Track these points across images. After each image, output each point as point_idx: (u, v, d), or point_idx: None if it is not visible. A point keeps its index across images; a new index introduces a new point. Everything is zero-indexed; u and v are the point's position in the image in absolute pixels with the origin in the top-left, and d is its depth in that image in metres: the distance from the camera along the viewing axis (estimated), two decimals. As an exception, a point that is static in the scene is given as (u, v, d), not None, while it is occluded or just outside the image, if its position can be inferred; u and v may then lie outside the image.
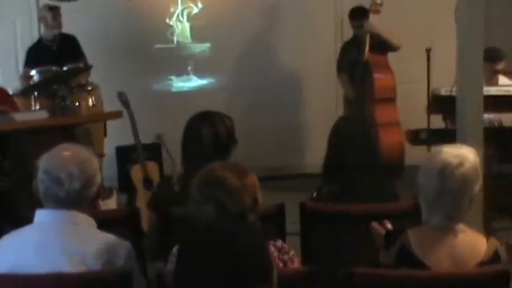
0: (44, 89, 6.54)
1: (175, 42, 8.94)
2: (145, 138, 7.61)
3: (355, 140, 4.28)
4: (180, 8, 8.86)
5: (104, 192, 6.28)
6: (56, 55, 7.74)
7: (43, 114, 5.78)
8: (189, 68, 8.97)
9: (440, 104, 7.06)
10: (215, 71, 8.96)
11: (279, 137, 8.85)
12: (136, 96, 7.60)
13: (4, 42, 8.60)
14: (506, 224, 6.50)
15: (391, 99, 7.53)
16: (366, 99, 7.62)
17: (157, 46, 8.89)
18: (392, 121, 7.56)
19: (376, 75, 7.50)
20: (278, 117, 8.92)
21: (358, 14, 7.80)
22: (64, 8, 7.83)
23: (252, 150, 7.97)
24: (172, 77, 8.97)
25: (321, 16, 8.87)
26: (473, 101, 5.92)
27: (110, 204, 6.39)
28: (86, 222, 3.15)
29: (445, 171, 3.03)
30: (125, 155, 7.83)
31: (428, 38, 8.76)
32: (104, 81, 7.70)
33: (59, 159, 3.13)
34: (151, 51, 8.84)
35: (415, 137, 7.26)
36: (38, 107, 7.19)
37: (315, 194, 4.35)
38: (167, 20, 8.88)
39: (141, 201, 6.25)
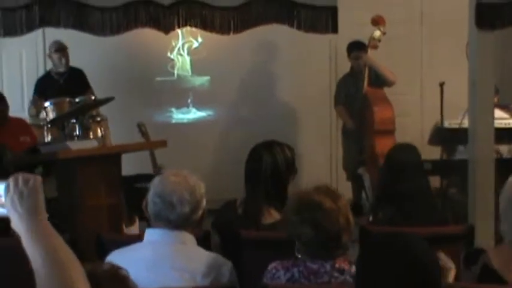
0: (75, 117, 6.50)
1: (175, 75, 9.03)
2: (147, 169, 7.64)
3: (408, 167, 4.42)
4: (180, 42, 8.95)
5: (128, 219, 6.28)
6: (63, 88, 7.80)
7: (94, 143, 5.81)
8: (189, 100, 9.07)
9: (443, 136, 7.22)
10: (214, 103, 9.07)
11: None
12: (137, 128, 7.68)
13: (11, 74, 8.61)
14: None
15: (390, 131, 7.62)
16: (366, 131, 7.71)
17: (159, 79, 8.99)
18: (392, 152, 7.65)
19: (375, 108, 7.60)
20: (274, 148, 8.97)
21: (357, 46, 7.94)
22: (70, 41, 7.82)
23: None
24: (173, 109, 9.07)
25: (316, 51, 9.00)
26: (485, 133, 6.12)
27: (133, 230, 6.39)
28: (191, 241, 3.37)
29: None
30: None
31: (417, 74, 9.04)
32: (108, 113, 7.71)
33: (171, 184, 3.31)
34: (153, 84, 8.94)
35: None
36: (49, 137, 7.21)
37: (371, 218, 4.47)
38: (168, 54, 8.98)
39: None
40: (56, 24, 5.52)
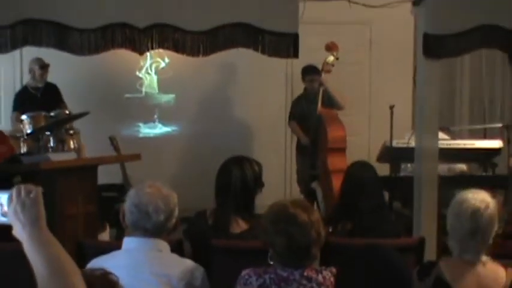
0: (50, 130, 6.43)
1: (143, 93, 9.03)
2: (115, 178, 7.62)
3: (367, 183, 4.46)
4: (148, 62, 8.95)
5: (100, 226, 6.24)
6: (40, 102, 7.76)
7: (73, 155, 5.75)
8: (155, 115, 9.07)
9: (392, 154, 7.29)
10: (178, 119, 9.08)
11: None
12: (107, 140, 7.65)
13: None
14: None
15: (342, 149, 7.65)
16: (319, 148, 7.74)
17: (128, 95, 8.98)
18: (343, 168, 7.66)
19: (329, 127, 7.60)
20: (234, 161, 8.98)
21: (312, 71, 7.99)
22: (46, 58, 7.79)
23: (209, 191, 8.02)
24: (140, 124, 9.04)
25: (273, 73, 9.05)
26: (430, 153, 6.20)
27: (104, 237, 6.37)
28: (166, 249, 3.39)
29: (476, 215, 3.23)
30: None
31: (366, 97, 9.13)
32: (80, 126, 7.66)
33: (146, 195, 3.30)
34: (122, 100, 8.92)
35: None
36: (25, 149, 7.12)
37: (330, 229, 4.50)
38: (137, 73, 8.96)
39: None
40: (38, 43, 5.48)
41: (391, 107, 7.08)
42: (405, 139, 7.21)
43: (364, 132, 9.08)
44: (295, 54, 5.82)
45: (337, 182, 7.57)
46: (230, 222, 4.13)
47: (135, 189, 3.41)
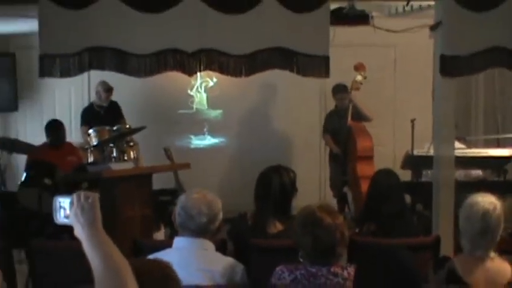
0: (113, 142, 6.51)
1: (194, 109, 9.04)
2: (170, 184, 7.66)
3: (391, 190, 4.42)
4: (199, 81, 8.98)
5: (155, 226, 6.28)
6: (103, 118, 7.85)
7: (130, 165, 5.80)
8: (205, 129, 9.08)
9: (413, 162, 7.23)
10: (225, 132, 9.09)
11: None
12: (162, 151, 7.69)
13: (61, 105, 8.65)
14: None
15: (369, 157, 7.61)
16: (349, 157, 7.71)
17: (180, 111, 9.00)
18: (371, 174, 7.60)
19: (358, 138, 7.58)
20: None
21: (341, 90, 7.97)
22: (110, 79, 7.86)
23: (250, 195, 8.02)
24: (192, 136, 9.06)
25: (308, 91, 9.03)
26: (447, 161, 6.13)
27: (159, 236, 6.40)
28: (211, 248, 3.41)
29: (486, 216, 3.19)
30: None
31: (391, 111, 9.05)
32: (139, 139, 7.73)
33: (192, 200, 3.31)
34: (176, 115, 8.95)
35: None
36: (92, 158, 7.22)
37: (357, 230, 4.48)
38: (188, 91, 8.99)
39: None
40: (102, 67, 5.55)
41: (412, 120, 7.04)
42: (425, 148, 7.14)
43: (389, 143, 9.01)
44: (327, 74, 5.79)
45: (365, 187, 7.49)
46: (268, 224, 4.13)
47: (185, 194, 3.45)
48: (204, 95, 9.06)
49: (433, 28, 6.18)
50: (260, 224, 4.15)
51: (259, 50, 5.59)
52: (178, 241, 3.39)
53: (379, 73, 8.91)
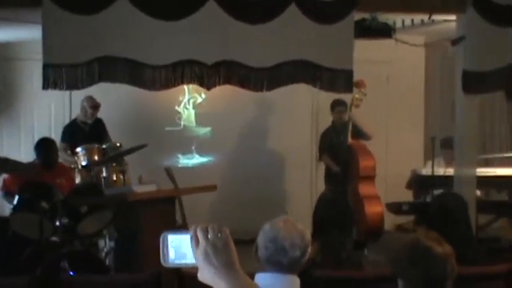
0: (114, 162, 6.04)
1: (182, 126, 8.61)
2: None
3: (457, 213, 4.11)
4: (187, 97, 8.59)
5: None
6: (88, 135, 7.38)
7: (153, 187, 5.31)
8: (193, 147, 8.66)
9: (419, 181, 6.98)
10: (214, 150, 8.68)
11: (263, 204, 8.47)
12: (149, 170, 7.21)
13: (41, 122, 8.13)
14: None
15: (371, 177, 7.34)
16: (350, 176, 7.39)
17: (167, 128, 8.58)
18: (373, 194, 7.34)
19: (360, 158, 7.29)
20: (264, 188, 8.71)
21: (341, 103, 7.66)
22: (95, 95, 7.38)
23: (241, 214, 7.73)
24: (179, 155, 8.62)
25: (299, 107, 8.80)
26: (469, 180, 5.89)
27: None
28: (298, 285, 2.92)
29: None
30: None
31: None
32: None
33: (282, 231, 2.85)
34: (163, 133, 8.51)
35: (398, 208, 7.10)
36: (79, 179, 6.73)
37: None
38: (176, 107, 8.57)
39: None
40: (113, 79, 5.10)
41: (433, 138, 6.69)
42: (427, 167, 6.85)
43: (381, 161, 8.73)
44: (350, 89, 5.47)
45: (368, 207, 7.26)
46: None
47: (270, 224, 2.97)
48: (193, 112, 8.65)
49: (454, 43, 5.93)
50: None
51: (282, 62, 5.23)
52: (263, 278, 2.87)
53: (372, 89, 8.63)
